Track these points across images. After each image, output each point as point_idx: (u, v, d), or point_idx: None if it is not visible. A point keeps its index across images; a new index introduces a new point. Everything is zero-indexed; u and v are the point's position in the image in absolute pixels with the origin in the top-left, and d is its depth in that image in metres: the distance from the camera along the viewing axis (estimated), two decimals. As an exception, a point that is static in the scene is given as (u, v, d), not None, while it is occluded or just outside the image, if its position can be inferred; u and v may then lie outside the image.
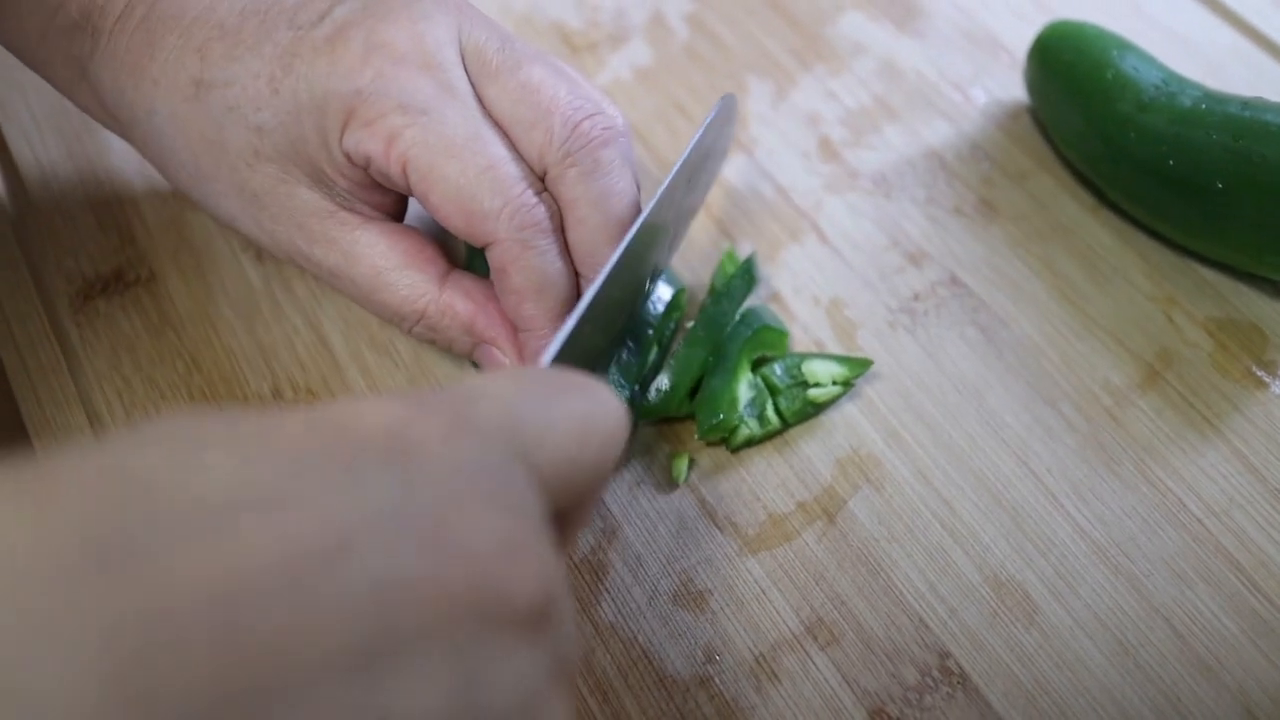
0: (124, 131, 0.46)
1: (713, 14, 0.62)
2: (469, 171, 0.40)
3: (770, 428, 0.45)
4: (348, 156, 0.41)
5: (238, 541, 0.18)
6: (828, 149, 0.56)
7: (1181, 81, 0.50)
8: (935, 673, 0.40)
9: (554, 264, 0.41)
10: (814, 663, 0.40)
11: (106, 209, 0.53)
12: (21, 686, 0.16)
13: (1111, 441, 0.46)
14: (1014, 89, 0.59)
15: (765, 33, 0.62)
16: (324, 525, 0.19)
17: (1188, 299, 0.50)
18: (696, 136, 0.43)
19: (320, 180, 0.42)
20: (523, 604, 0.22)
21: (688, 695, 0.39)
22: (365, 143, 0.40)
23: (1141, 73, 0.51)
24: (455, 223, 0.41)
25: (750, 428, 0.45)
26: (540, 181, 0.42)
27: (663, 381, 0.45)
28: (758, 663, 0.40)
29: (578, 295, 0.43)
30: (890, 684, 0.39)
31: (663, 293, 0.47)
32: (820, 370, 0.46)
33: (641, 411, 0.45)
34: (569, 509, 0.28)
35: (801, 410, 0.46)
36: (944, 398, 0.47)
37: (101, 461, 0.19)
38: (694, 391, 0.46)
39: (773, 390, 0.46)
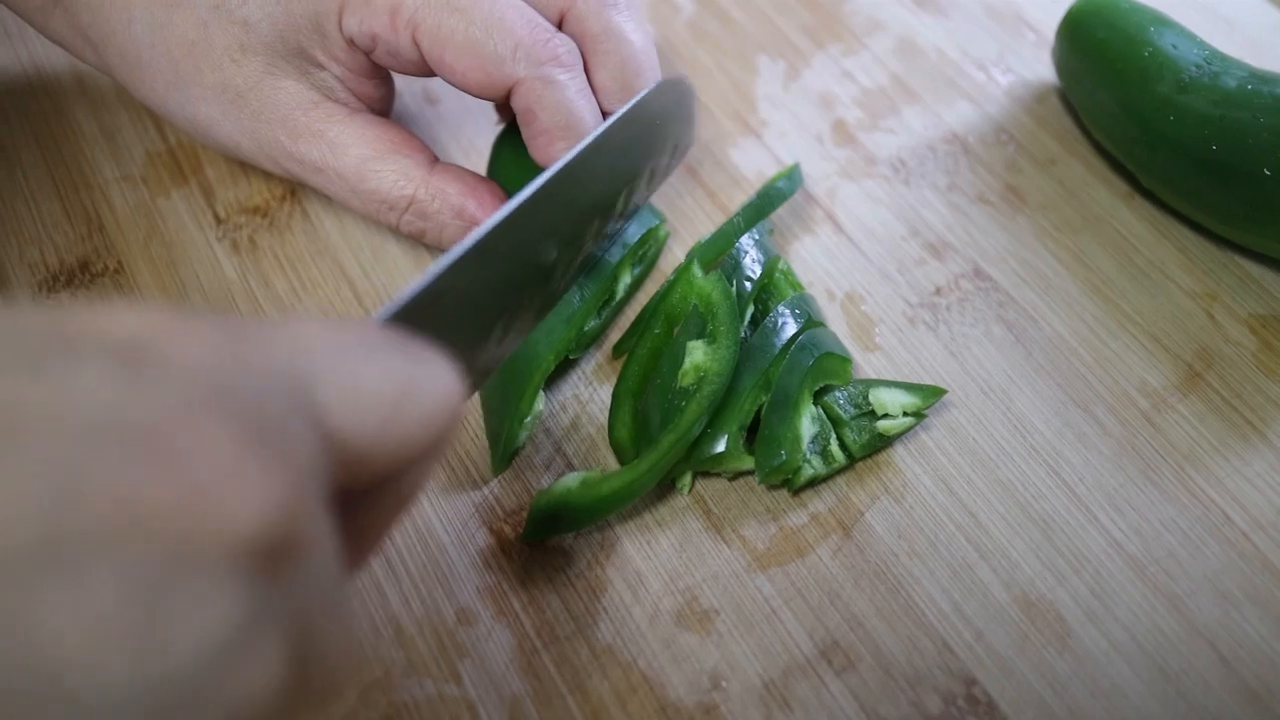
0: (97, 53, 0.46)
1: (720, -11, 0.60)
2: (477, 20, 0.41)
3: (835, 465, 0.42)
4: (349, 41, 0.42)
5: None
6: (843, 132, 0.53)
7: (1225, 60, 0.47)
8: (960, 701, 0.37)
9: (578, 99, 0.42)
10: (829, 689, 0.37)
11: (74, 195, 0.50)
12: None
13: (1149, 448, 0.43)
14: (1041, 69, 0.56)
15: (776, 9, 0.59)
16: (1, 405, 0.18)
17: (1230, 294, 0.47)
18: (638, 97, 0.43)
19: (307, 72, 0.44)
20: (243, 539, 0.19)
21: (691, 725, 0.37)
22: (369, 22, 0.41)
23: (1181, 51, 0.48)
24: (474, 78, 0.41)
25: (814, 467, 0.41)
26: (560, 19, 0.43)
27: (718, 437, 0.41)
28: (768, 689, 0.37)
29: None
30: (911, 713, 0.37)
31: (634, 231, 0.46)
32: (889, 399, 0.42)
33: (694, 464, 0.41)
34: (383, 477, 0.26)
35: (870, 444, 0.42)
36: (968, 400, 0.44)
37: None
38: (751, 433, 0.42)
39: (836, 423, 0.42)
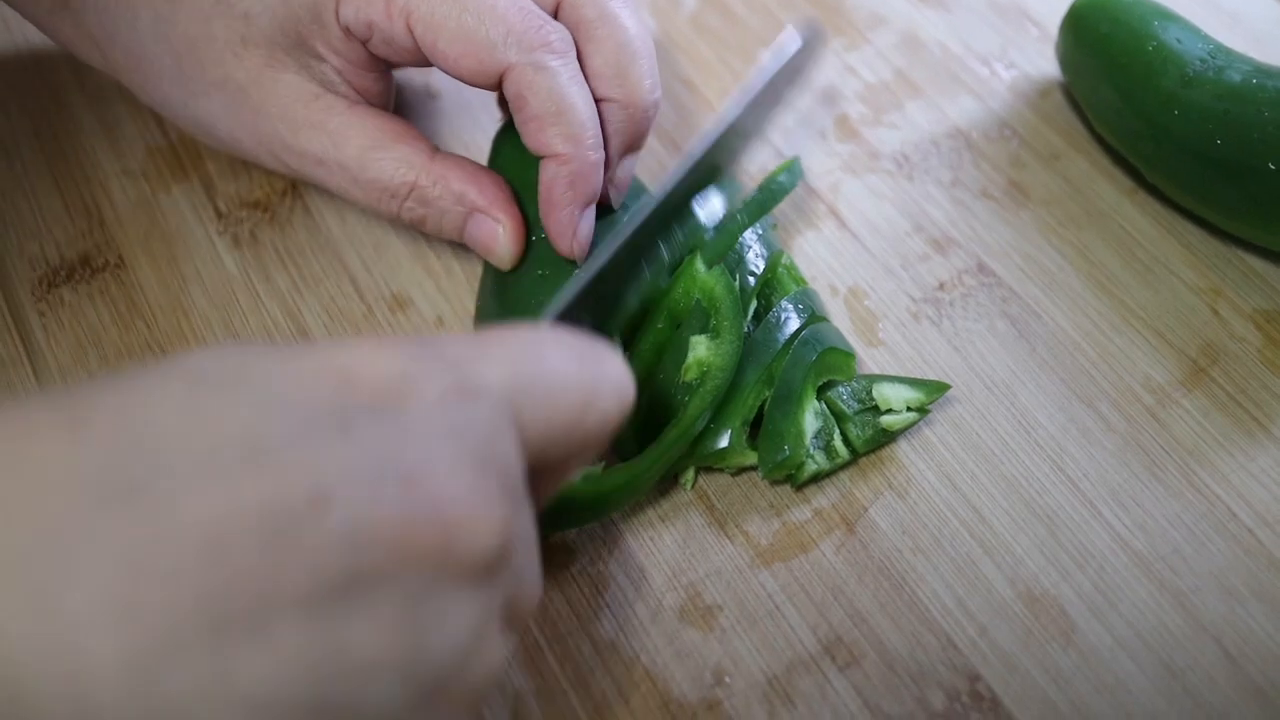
0: (103, 54, 0.47)
1: (723, -16, 0.59)
2: (470, 6, 0.41)
3: (839, 460, 0.42)
4: (346, 31, 0.43)
5: (231, 488, 0.22)
6: (846, 127, 0.53)
7: (1229, 55, 0.47)
8: (964, 697, 0.37)
9: (570, 85, 0.42)
10: (832, 685, 0.37)
11: (74, 189, 0.50)
12: (54, 605, 0.20)
13: (1153, 444, 0.43)
14: (1045, 63, 0.56)
15: (778, 3, 0.59)
16: (311, 477, 0.22)
17: (1234, 290, 0.47)
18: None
19: (306, 64, 0.44)
20: (480, 557, 0.24)
21: (695, 721, 0.37)
22: (364, 11, 0.42)
23: (1186, 45, 0.48)
24: (466, 64, 0.42)
25: (817, 462, 0.41)
26: (549, 13, 0.43)
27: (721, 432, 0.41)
28: (771, 685, 0.37)
29: (601, 127, 0.43)
30: (915, 709, 0.37)
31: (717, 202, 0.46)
32: (892, 394, 0.42)
33: (697, 460, 0.41)
34: (553, 467, 0.31)
35: (873, 439, 0.42)
36: (972, 396, 0.44)
37: (129, 399, 0.23)
38: (754, 428, 0.42)
39: (840, 418, 0.42)
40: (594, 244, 0.44)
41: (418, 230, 0.47)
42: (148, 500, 0.21)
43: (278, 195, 0.50)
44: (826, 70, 0.55)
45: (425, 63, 0.44)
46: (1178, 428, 0.43)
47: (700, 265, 0.43)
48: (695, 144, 0.43)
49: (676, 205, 0.43)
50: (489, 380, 0.27)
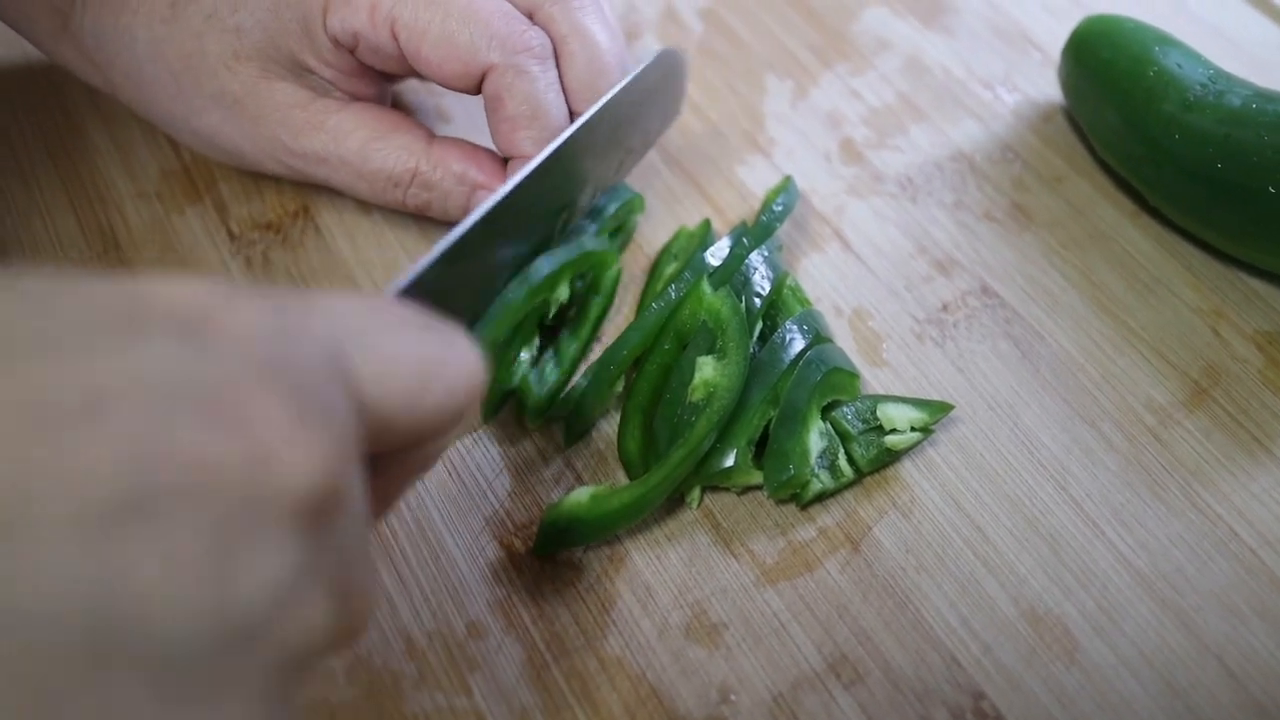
0: (104, 76, 0.48)
1: (728, 9, 0.60)
2: (454, 12, 0.42)
3: (843, 480, 0.42)
4: (334, 40, 0.44)
5: None
6: (850, 150, 0.54)
7: (1229, 79, 0.48)
8: (968, 715, 0.37)
9: (546, 91, 0.43)
10: (837, 703, 0.37)
11: (89, 210, 0.51)
12: None
13: (1155, 464, 0.43)
14: (1047, 88, 0.56)
15: (784, 28, 0.59)
16: (87, 378, 0.20)
17: (1236, 311, 0.47)
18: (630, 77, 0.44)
19: (299, 74, 0.45)
20: (299, 495, 0.21)
21: (700, 739, 0.37)
22: (350, 20, 0.43)
23: (1186, 70, 0.48)
24: (450, 69, 0.43)
25: (822, 481, 0.41)
26: (530, 19, 0.44)
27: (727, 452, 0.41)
28: (776, 702, 0.37)
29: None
30: (919, 727, 0.37)
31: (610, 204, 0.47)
32: (896, 415, 0.43)
33: (703, 479, 0.42)
34: (402, 446, 0.28)
35: (878, 458, 0.42)
36: (975, 416, 0.44)
37: None
38: (759, 448, 0.42)
39: (844, 437, 0.42)
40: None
41: (424, 216, 0.48)
42: None
43: (289, 217, 0.50)
44: (831, 94, 0.56)
45: (411, 71, 0.46)
46: (1180, 448, 0.43)
47: (707, 287, 0.44)
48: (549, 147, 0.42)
49: (530, 204, 0.41)
50: (314, 327, 0.25)
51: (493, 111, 0.44)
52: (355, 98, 0.47)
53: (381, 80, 0.48)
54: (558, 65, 0.44)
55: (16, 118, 0.54)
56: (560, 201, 0.44)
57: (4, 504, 0.18)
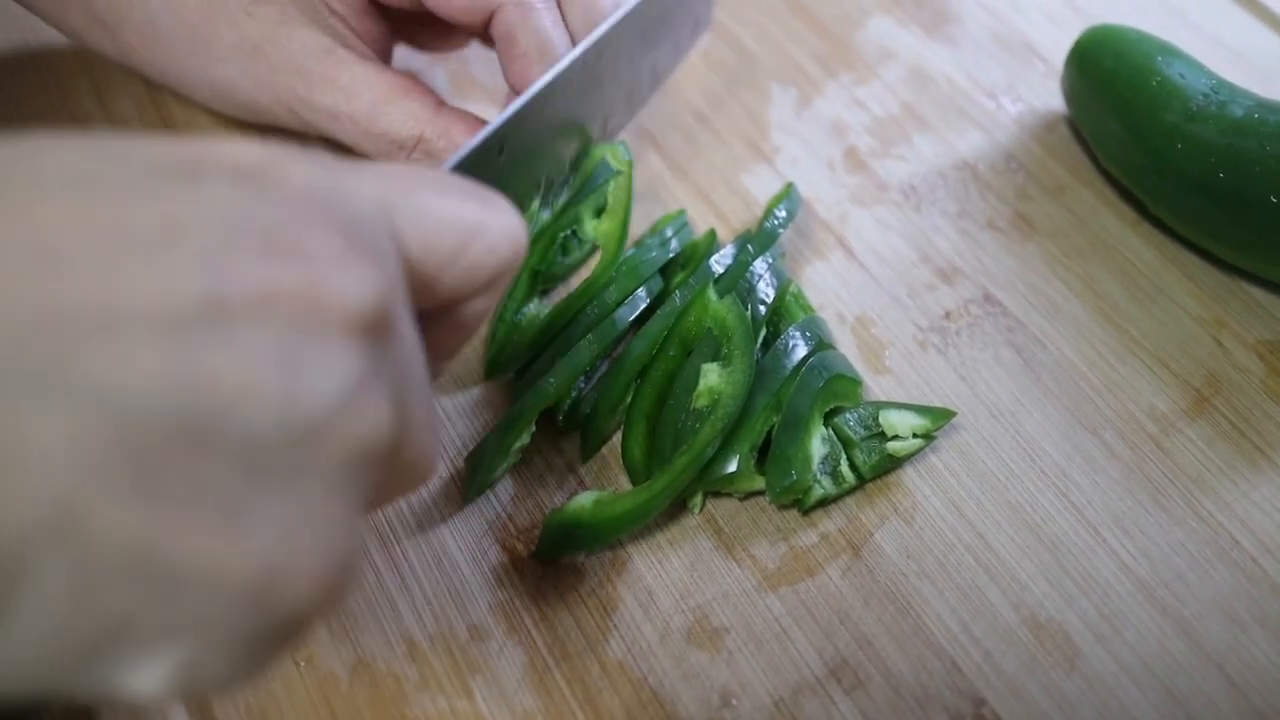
0: (114, 38, 0.48)
1: (734, 19, 0.60)
2: None
3: (845, 486, 0.42)
4: None
5: (60, 208, 0.21)
6: (854, 159, 0.54)
7: (1232, 89, 0.48)
8: (969, 721, 0.37)
9: (554, 28, 0.45)
10: (838, 708, 0.37)
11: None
12: None
13: (1157, 472, 0.43)
14: (1050, 97, 0.56)
15: (789, 38, 0.59)
16: (161, 209, 0.22)
17: (1237, 321, 0.47)
18: None
19: (316, 17, 0.47)
20: (353, 311, 0.23)
21: (701, 743, 0.37)
22: None
23: (1189, 80, 0.48)
24: (459, 4, 0.45)
25: (824, 487, 0.42)
26: None
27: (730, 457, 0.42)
28: (777, 707, 0.37)
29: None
30: (920, 733, 0.37)
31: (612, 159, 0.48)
32: (898, 421, 0.43)
33: (706, 484, 0.42)
34: (444, 304, 0.30)
35: (880, 465, 0.42)
36: (977, 423, 0.44)
37: None
38: (762, 453, 0.42)
39: (847, 444, 0.43)
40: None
41: None
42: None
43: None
44: (835, 103, 0.56)
45: (419, 7, 0.47)
46: (1181, 456, 0.43)
47: (712, 294, 0.44)
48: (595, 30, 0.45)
49: (571, 99, 0.45)
50: (362, 184, 0.27)
51: (505, 49, 0.45)
52: (364, 38, 0.48)
53: (385, 23, 0.49)
54: (559, 8, 0.46)
55: (14, 99, 0.54)
56: (597, 106, 0.45)
57: (104, 306, 0.20)
